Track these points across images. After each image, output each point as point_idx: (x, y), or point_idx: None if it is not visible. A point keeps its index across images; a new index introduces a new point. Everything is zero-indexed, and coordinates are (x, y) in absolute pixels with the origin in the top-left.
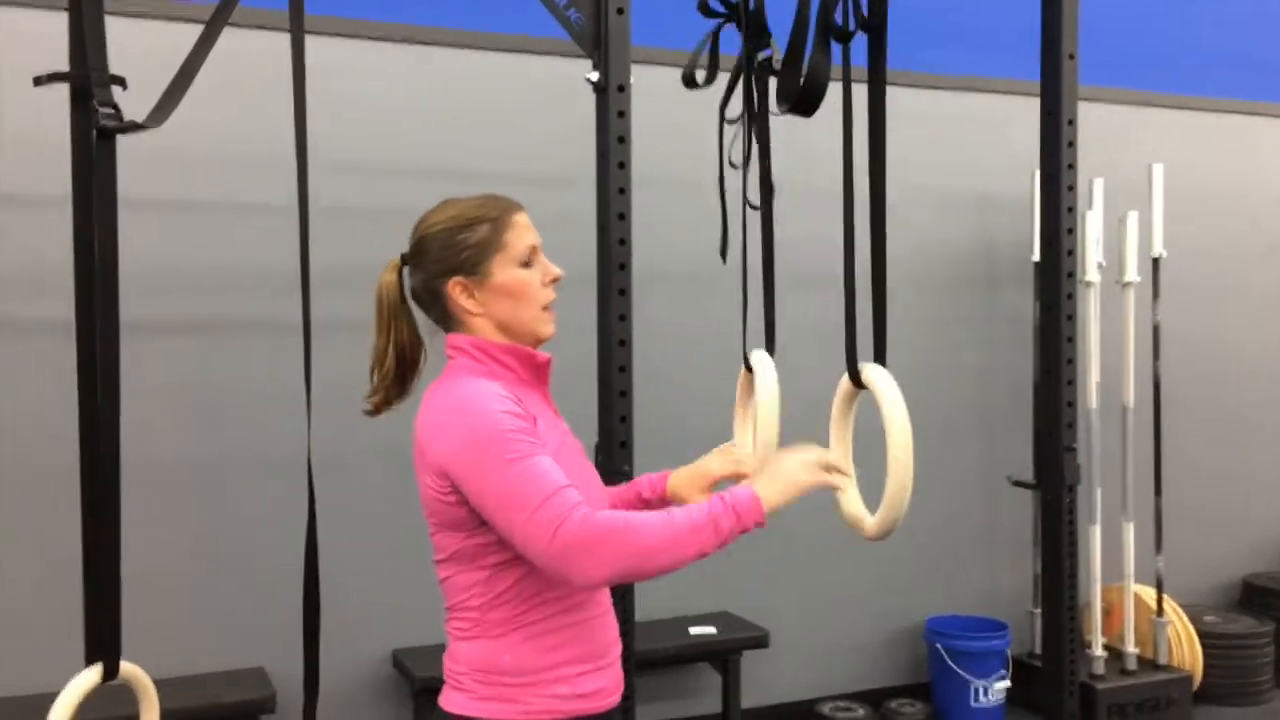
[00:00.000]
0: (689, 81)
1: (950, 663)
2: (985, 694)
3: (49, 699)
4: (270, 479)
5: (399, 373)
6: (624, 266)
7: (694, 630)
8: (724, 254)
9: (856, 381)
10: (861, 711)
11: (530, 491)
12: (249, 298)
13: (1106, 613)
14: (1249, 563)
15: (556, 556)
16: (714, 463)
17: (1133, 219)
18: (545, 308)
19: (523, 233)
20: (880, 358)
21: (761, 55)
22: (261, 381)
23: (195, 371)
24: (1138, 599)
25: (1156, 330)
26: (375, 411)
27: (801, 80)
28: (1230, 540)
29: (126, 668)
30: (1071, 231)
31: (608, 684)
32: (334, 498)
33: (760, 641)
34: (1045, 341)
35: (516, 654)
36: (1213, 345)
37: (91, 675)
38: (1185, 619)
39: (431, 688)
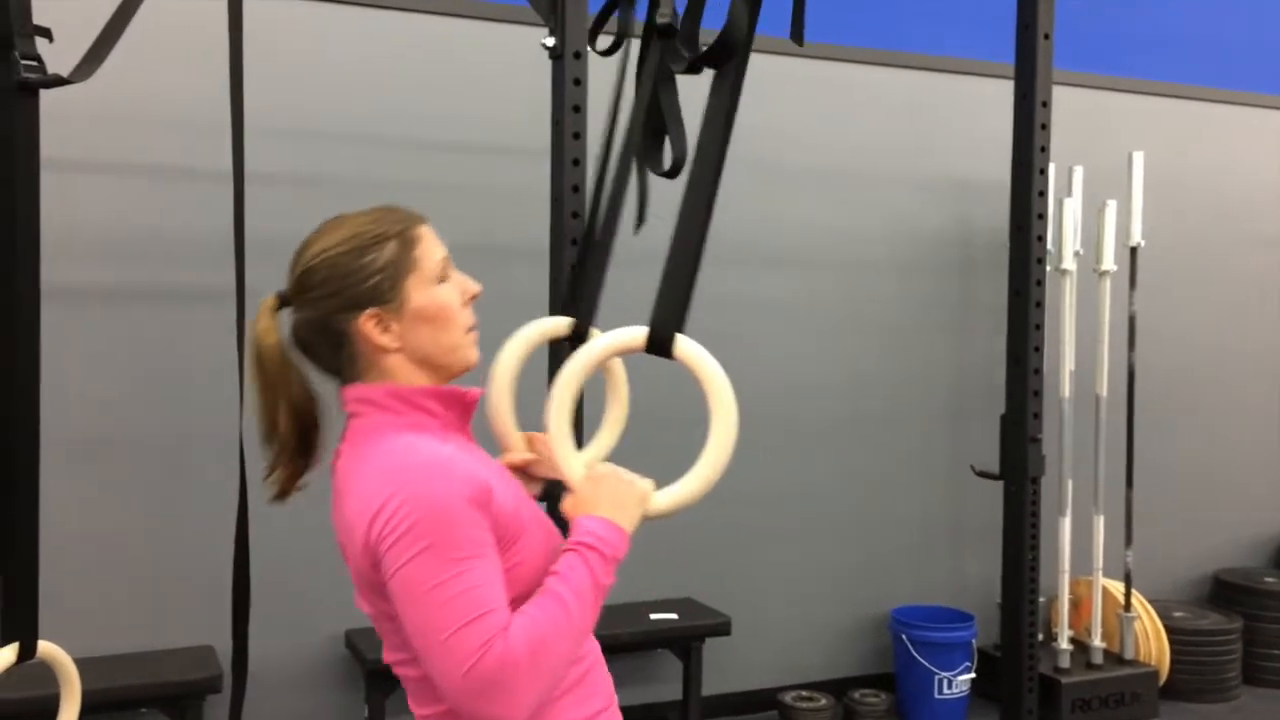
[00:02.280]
0: (600, 48)
1: (915, 653)
2: (950, 685)
3: None
4: (224, 456)
5: (300, 440)
6: (576, 241)
7: (655, 616)
8: (638, 225)
9: (666, 353)
10: (824, 701)
11: (457, 609)
12: (195, 267)
13: (1075, 606)
14: (1220, 559)
15: (468, 697)
16: (515, 454)
17: (1111, 207)
18: (469, 330)
19: (432, 246)
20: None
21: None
22: (218, 355)
23: (149, 343)
24: (1106, 593)
25: (1132, 320)
26: (282, 496)
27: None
28: (1202, 536)
29: (45, 647)
30: (1042, 217)
31: None
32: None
33: (722, 629)
34: (1013, 328)
35: None
36: (1189, 337)
37: (7, 654)
38: (1154, 614)
39: (384, 670)
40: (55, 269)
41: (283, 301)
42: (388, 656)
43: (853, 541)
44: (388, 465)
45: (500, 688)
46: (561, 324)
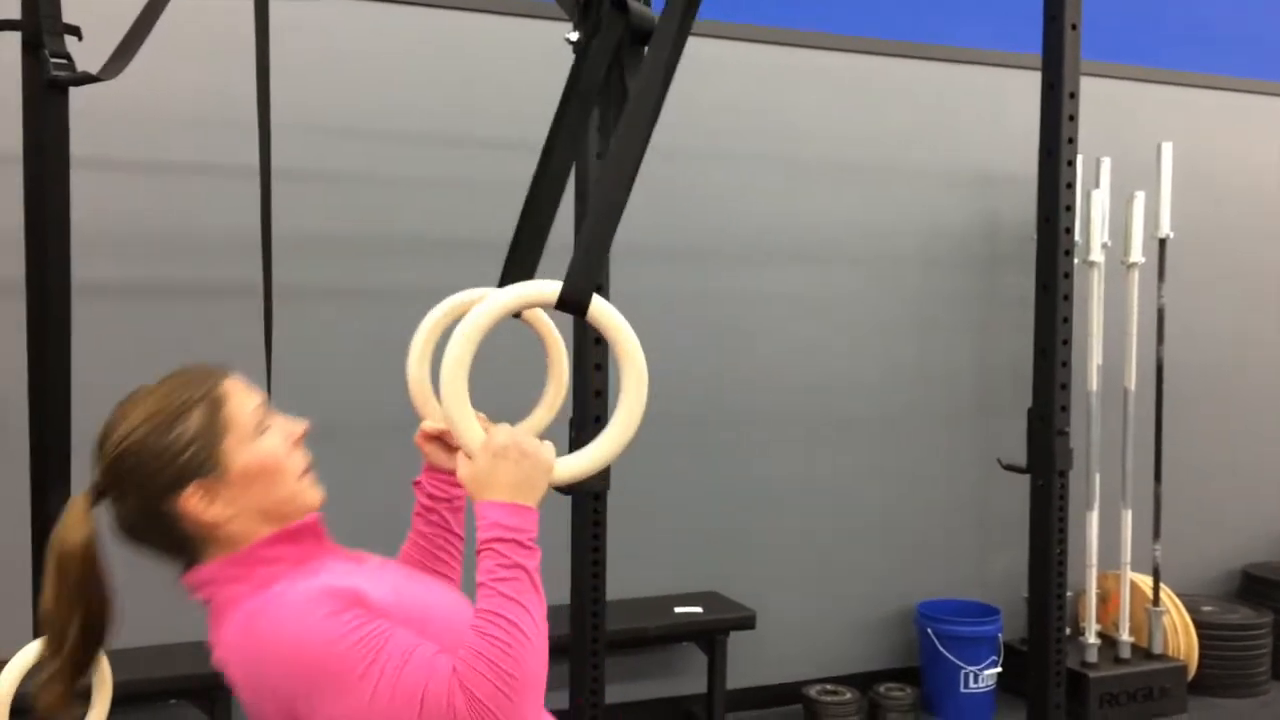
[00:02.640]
0: None
1: (941, 648)
2: (976, 680)
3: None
4: None
5: (85, 652)
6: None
7: (680, 610)
8: None
9: (580, 311)
10: (849, 695)
11: (404, 698)
12: (227, 262)
13: (1102, 600)
14: (1249, 553)
15: None
16: (430, 423)
17: (1139, 199)
18: (303, 474)
19: (242, 400)
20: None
21: None
22: (240, 350)
23: (173, 339)
24: (1134, 587)
25: (1161, 313)
26: (55, 710)
27: None
28: (1231, 530)
29: None
30: (1070, 209)
31: None
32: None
33: (747, 623)
34: (1040, 321)
35: None
36: (1218, 330)
37: (37, 647)
38: (1182, 608)
39: None
40: (83, 265)
41: (98, 495)
42: None
43: (877, 535)
44: (259, 640)
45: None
46: (483, 295)
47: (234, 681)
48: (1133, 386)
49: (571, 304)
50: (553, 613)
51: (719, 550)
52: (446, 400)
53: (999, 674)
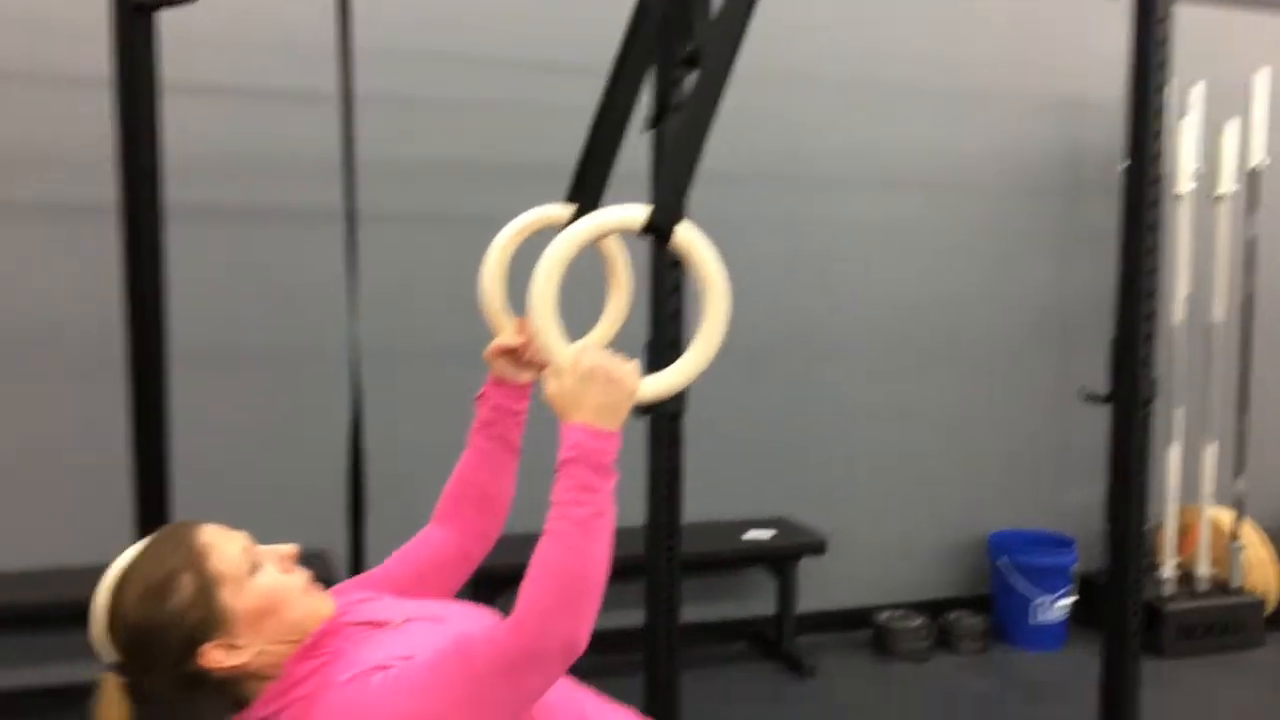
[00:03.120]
0: None
1: (1013, 577)
2: (1048, 610)
3: (95, 571)
4: (335, 367)
5: None
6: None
7: (750, 535)
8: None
9: (665, 237)
10: (919, 620)
11: (445, 673)
12: (309, 186)
13: (1181, 534)
14: None
15: (516, 671)
16: (506, 338)
17: (1232, 127)
18: (306, 591)
19: (224, 547)
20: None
21: None
22: (325, 271)
23: (260, 259)
24: (1215, 521)
25: (1251, 244)
26: None
27: None
28: None
29: None
30: (1159, 135)
31: None
32: (391, 390)
33: (818, 548)
34: (1127, 250)
35: None
36: None
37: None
38: (1264, 542)
39: (491, 576)
40: (174, 188)
41: (124, 673)
42: None
43: (952, 463)
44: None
45: (535, 649)
46: (562, 212)
47: None
48: (1220, 319)
49: (659, 229)
50: (627, 534)
51: (791, 475)
52: (536, 319)
53: (1072, 605)
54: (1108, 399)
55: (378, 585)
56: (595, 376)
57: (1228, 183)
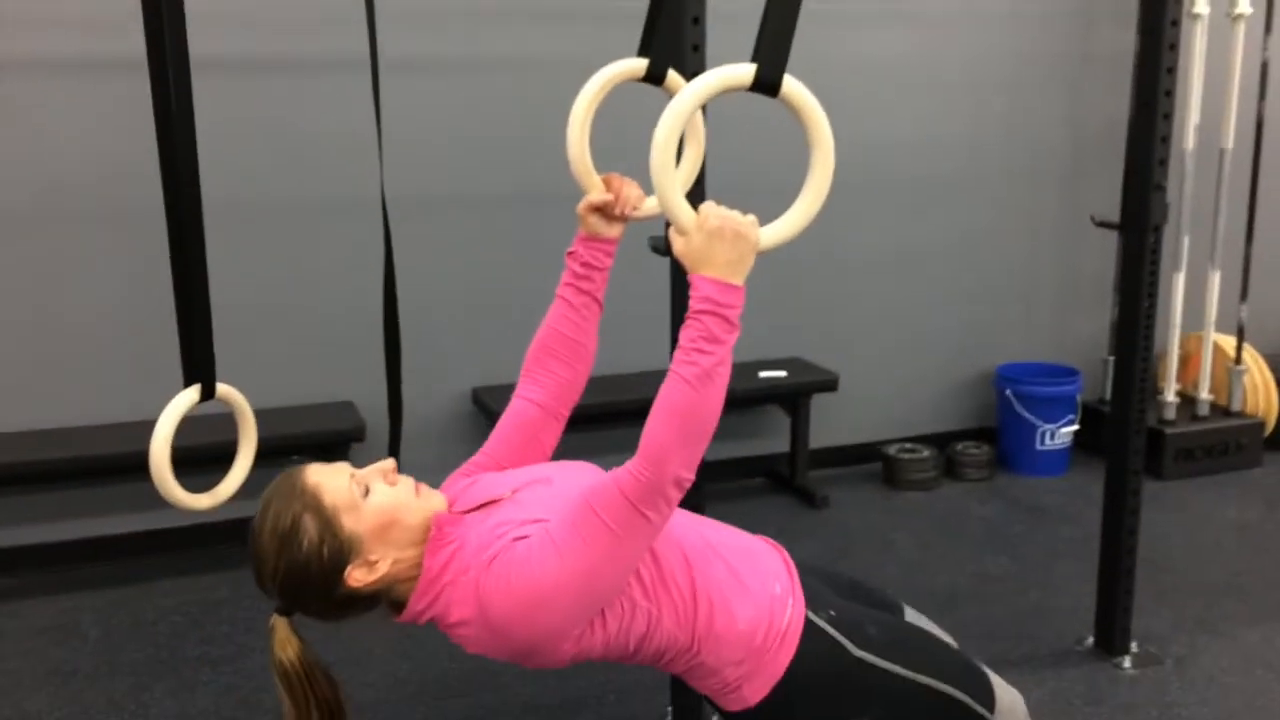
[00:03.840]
0: None
1: (1019, 407)
2: (1052, 437)
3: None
4: (359, 220)
5: None
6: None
7: (764, 374)
8: None
9: (773, 91)
10: (927, 452)
11: (581, 529)
12: (335, 35)
13: (1183, 361)
14: None
15: (641, 508)
16: (596, 195)
17: None
18: (414, 493)
19: (332, 482)
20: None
21: None
22: (352, 122)
23: (281, 112)
24: (1217, 347)
25: (1265, 67)
26: None
27: None
28: None
29: (222, 388)
30: None
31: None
32: (416, 241)
33: (830, 385)
34: (1143, 72)
35: (731, 629)
36: None
37: (190, 394)
38: (1264, 367)
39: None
40: (198, 42)
41: (288, 614)
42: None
43: (959, 299)
44: (498, 614)
45: (666, 453)
46: (638, 65)
47: (485, 651)
48: (1230, 145)
49: (767, 85)
50: (654, 377)
51: (803, 317)
52: (659, 179)
53: (1075, 432)
54: (1119, 225)
55: (483, 468)
56: (723, 233)
57: (1244, 3)
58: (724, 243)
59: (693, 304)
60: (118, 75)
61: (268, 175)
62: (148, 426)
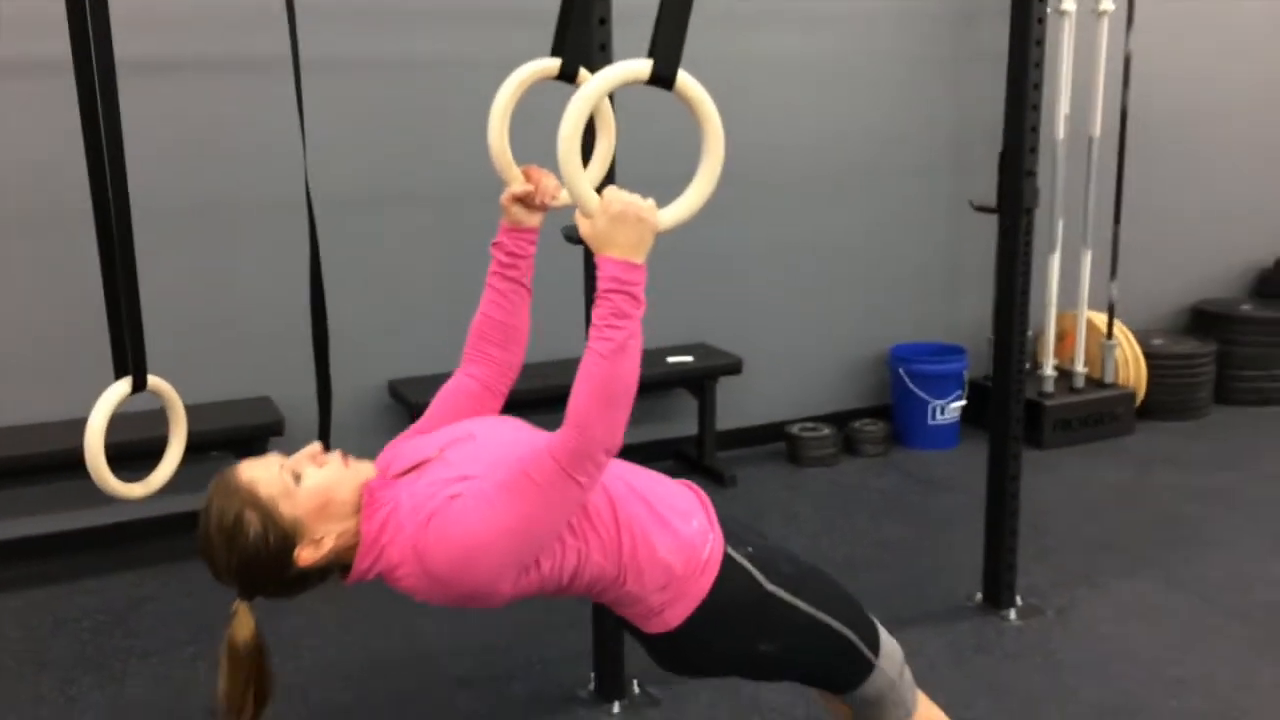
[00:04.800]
0: None
1: (910, 385)
2: (941, 413)
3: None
4: (274, 220)
5: (257, 714)
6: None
7: (672, 359)
8: None
9: (668, 85)
10: (827, 430)
11: (514, 490)
12: (258, 36)
13: (1060, 338)
14: (1201, 291)
15: (571, 473)
16: (517, 186)
17: None
18: (344, 468)
19: (264, 475)
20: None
21: None
22: (269, 122)
23: (201, 112)
24: (1090, 323)
25: (1128, 60)
26: None
27: None
28: (1185, 269)
29: (153, 380)
30: None
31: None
32: (331, 238)
33: (734, 368)
34: (1013, 67)
35: (652, 559)
36: (1185, 76)
37: (122, 386)
38: (1133, 341)
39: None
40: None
41: (249, 599)
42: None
43: (855, 284)
44: (436, 568)
45: (590, 420)
46: (551, 65)
47: (430, 599)
48: (1097, 134)
49: (663, 79)
50: (565, 365)
51: (708, 303)
52: (566, 169)
53: (963, 407)
54: (995, 209)
55: (422, 431)
56: (625, 216)
57: (1107, 0)
58: (626, 225)
59: (600, 284)
60: (31, 77)
61: (183, 175)
62: (65, 426)
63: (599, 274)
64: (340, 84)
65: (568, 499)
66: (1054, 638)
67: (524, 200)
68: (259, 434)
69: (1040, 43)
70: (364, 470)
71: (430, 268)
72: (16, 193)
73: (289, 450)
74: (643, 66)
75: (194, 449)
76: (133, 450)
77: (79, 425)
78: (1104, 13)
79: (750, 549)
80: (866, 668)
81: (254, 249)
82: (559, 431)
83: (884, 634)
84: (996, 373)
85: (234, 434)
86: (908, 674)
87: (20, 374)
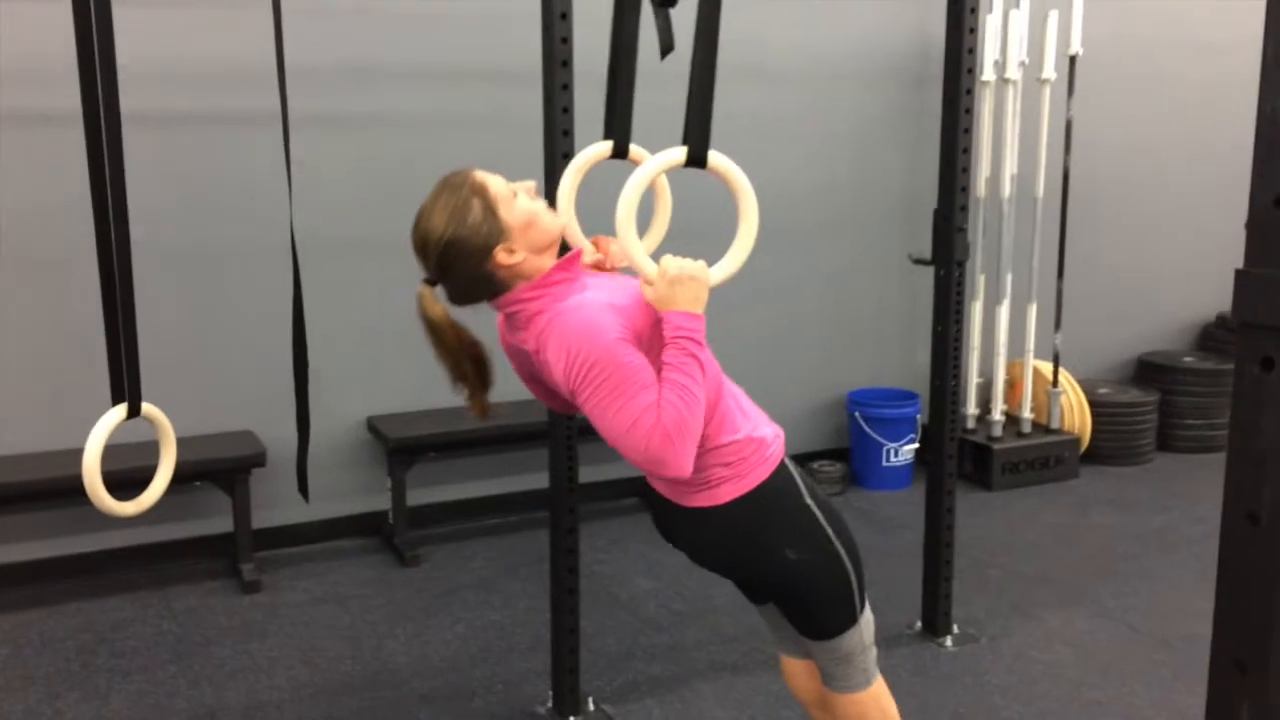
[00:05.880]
0: None
1: (866, 428)
2: (896, 455)
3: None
4: (260, 263)
5: (479, 375)
6: (565, 63)
7: None
8: (664, 53)
9: (702, 164)
10: None
11: (627, 411)
12: (251, 90)
13: (1010, 385)
14: (1146, 343)
15: (649, 463)
16: (589, 256)
17: (1053, 18)
18: (547, 209)
19: (493, 180)
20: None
21: None
22: (256, 172)
23: (194, 162)
24: (1037, 372)
25: (1069, 125)
26: (484, 414)
27: None
28: (1131, 323)
29: (147, 407)
30: (973, 31)
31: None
32: (312, 281)
33: None
34: (945, 133)
35: (731, 427)
36: (1126, 141)
37: (118, 412)
38: (1078, 389)
39: (403, 448)
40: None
41: (434, 283)
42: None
43: (815, 331)
44: (566, 329)
45: (666, 455)
46: (605, 148)
47: (543, 361)
48: (1041, 194)
49: (696, 160)
50: (532, 406)
51: None
52: (625, 242)
53: (916, 450)
54: (930, 261)
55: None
56: (681, 280)
57: (1049, 69)
58: (683, 286)
59: (668, 333)
60: (30, 127)
61: (173, 219)
62: (56, 456)
63: (665, 327)
64: (324, 138)
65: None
66: (985, 662)
67: (597, 266)
68: (241, 465)
69: (969, 111)
70: (561, 218)
71: (407, 311)
72: (18, 234)
73: (271, 483)
74: (679, 154)
75: (179, 479)
76: (121, 479)
77: (69, 455)
78: (1046, 81)
79: (802, 470)
80: (851, 618)
81: (240, 290)
82: (659, 429)
83: (868, 604)
84: (932, 413)
85: (217, 465)
86: (874, 652)
87: (13, 406)
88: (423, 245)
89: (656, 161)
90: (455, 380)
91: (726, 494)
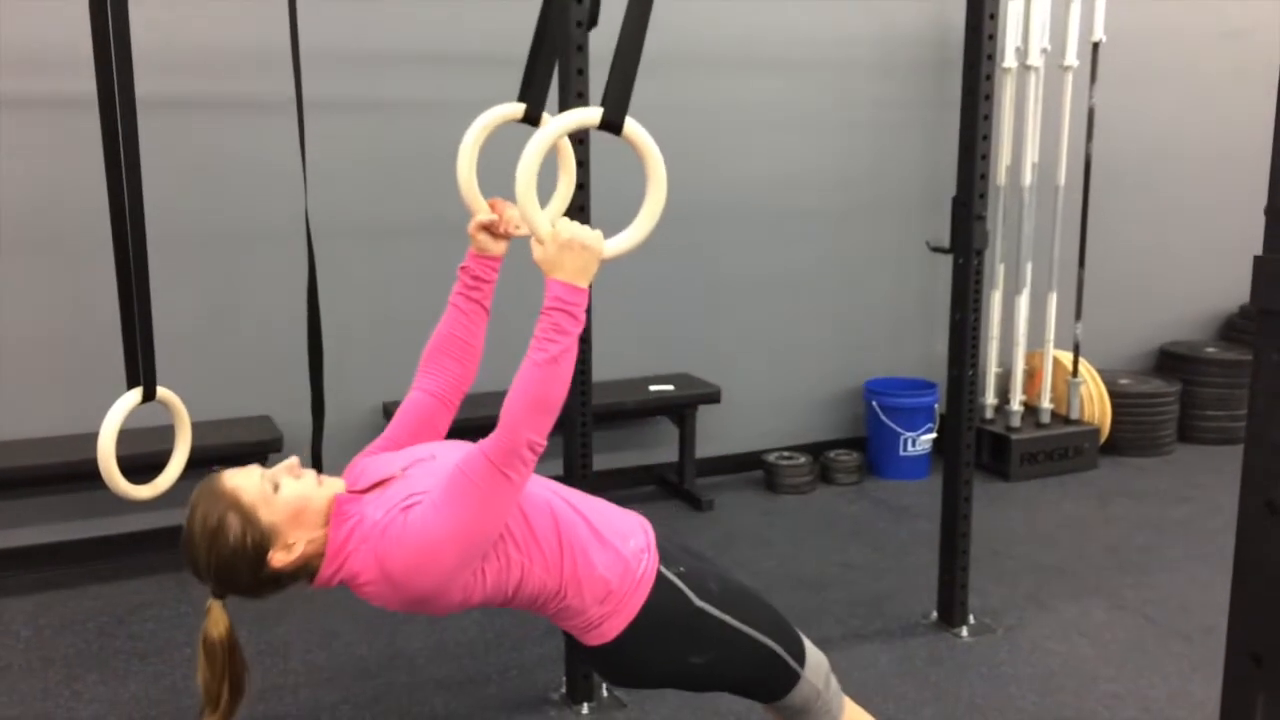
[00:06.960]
0: None
1: (884, 417)
2: (913, 444)
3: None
4: (276, 249)
5: (233, 706)
6: (582, 48)
7: (654, 388)
8: (589, 25)
9: (616, 130)
10: (803, 459)
11: (456, 492)
12: (264, 76)
13: (1029, 375)
14: (1168, 333)
15: (502, 469)
16: (483, 215)
17: (1076, 4)
18: (318, 485)
19: (247, 483)
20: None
21: None
22: (272, 157)
23: (208, 147)
24: (1057, 362)
25: (1091, 113)
26: None
27: None
28: (1152, 312)
29: (162, 391)
30: (994, 17)
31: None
32: (327, 265)
33: (714, 398)
34: (965, 121)
35: (591, 575)
36: (1148, 128)
37: (134, 396)
38: (1098, 379)
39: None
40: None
41: (222, 597)
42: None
43: (834, 320)
44: (393, 572)
45: (514, 446)
46: (516, 109)
47: (387, 604)
48: (1063, 182)
49: (612, 125)
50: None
51: (690, 336)
52: (522, 201)
53: (934, 439)
54: (949, 249)
55: (383, 449)
56: (572, 245)
57: (1071, 56)
58: (573, 252)
59: (546, 301)
60: (46, 112)
61: (189, 204)
62: (74, 440)
63: (546, 293)
64: (340, 123)
65: (503, 495)
66: (1001, 653)
67: (489, 228)
68: (258, 450)
69: (989, 99)
70: (335, 485)
71: (423, 297)
72: (23, 219)
73: None
74: (593, 114)
75: (196, 463)
76: (137, 463)
77: (87, 440)
78: (1068, 68)
79: (682, 569)
80: (792, 678)
81: (255, 275)
82: (492, 433)
83: (810, 647)
84: (950, 402)
85: (234, 450)
86: (834, 683)
87: (32, 390)
88: (195, 570)
89: (567, 118)
90: (204, 705)
91: (613, 629)
